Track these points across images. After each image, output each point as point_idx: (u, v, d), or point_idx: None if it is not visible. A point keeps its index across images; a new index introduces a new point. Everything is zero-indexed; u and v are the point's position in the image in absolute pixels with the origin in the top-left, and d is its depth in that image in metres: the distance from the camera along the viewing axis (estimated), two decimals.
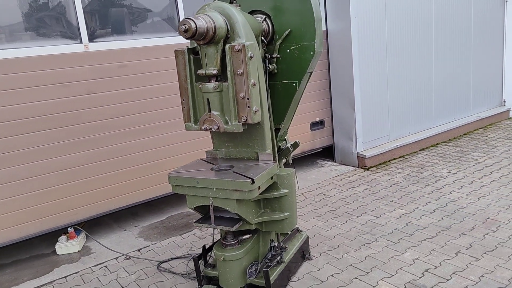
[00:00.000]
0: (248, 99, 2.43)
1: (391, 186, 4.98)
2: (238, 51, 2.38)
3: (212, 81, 2.51)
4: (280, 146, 3.19)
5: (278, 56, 2.98)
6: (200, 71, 2.51)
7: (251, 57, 2.40)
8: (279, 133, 3.13)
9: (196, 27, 2.28)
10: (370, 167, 5.75)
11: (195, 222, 2.62)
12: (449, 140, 6.83)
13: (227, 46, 2.41)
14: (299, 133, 5.66)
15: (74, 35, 3.94)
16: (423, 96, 6.62)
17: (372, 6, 5.66)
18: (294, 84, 2.98)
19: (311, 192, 5.03)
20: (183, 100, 2.62)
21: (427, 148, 6.47)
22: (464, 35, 7.08)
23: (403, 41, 6.13)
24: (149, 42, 4.31)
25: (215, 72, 2.47)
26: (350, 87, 5.68)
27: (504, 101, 8.17)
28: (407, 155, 6.19)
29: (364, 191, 4.92)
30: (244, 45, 2.37)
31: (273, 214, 2.73)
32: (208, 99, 2.51)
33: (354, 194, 4.83)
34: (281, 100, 3.04)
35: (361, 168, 5.79)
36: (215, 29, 2.37)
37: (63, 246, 4.02)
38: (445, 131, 6.80)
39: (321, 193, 4.97)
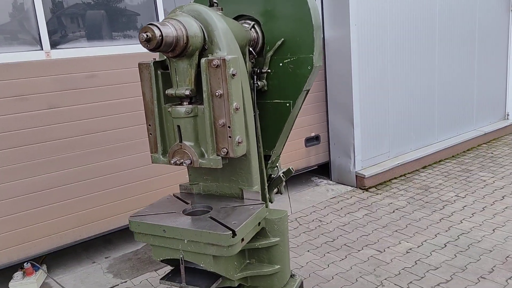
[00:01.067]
0: (229, 127, 1.92)
1: (393, 211, 4.49)
2: (216, 67, 1.87)
3: (185, 103, 1.99)
4: (271, 175, 2.69)
5: (269, 70, 2.47)
6: (169, 91, 2.00)
7: (234, 75, 1.89)
8: (270, 160, 2.64)
9: (161, 35, 1.77)
10: (370, 188, 5.26)
11: (161, 279, 2.09)
12: (453, 156, 6.37)
13: (202, 60, 1.90)
14: (293, 149, 5.16)
15: (34, 41, 3.40)
16: (425, 110, 6.15)
17: (373, 14, 5.19)
18: (287, 104, 2.48)
19: (306, 218, 4.52)
20: (149, 125, 2.10)
21: (429, 165, 6.00)
22: (467, 46, 6.64)
23: (405, 52, 5.67)
24: (122, 50, 3.78)
25: (187, 92, 1.94)
26: (348, 100, 5.20)
27: (508, 115, 7.76)
28: (408, 173, 5.71)
29: (364, 217, 4.42)
30: (224, 59, 1.86)
31: (261, 267, 2.21)
32: (179, 126, 1.99)
33: (353, 221, 4.33)
34: (272, 123, 2.53)
35: (359, 188, 5.30)
36: (187, 38, 1.86)
37: (18, 285, 3.45)
38: (448, 147, 6.34)
39: (316, 219, 4.47)
